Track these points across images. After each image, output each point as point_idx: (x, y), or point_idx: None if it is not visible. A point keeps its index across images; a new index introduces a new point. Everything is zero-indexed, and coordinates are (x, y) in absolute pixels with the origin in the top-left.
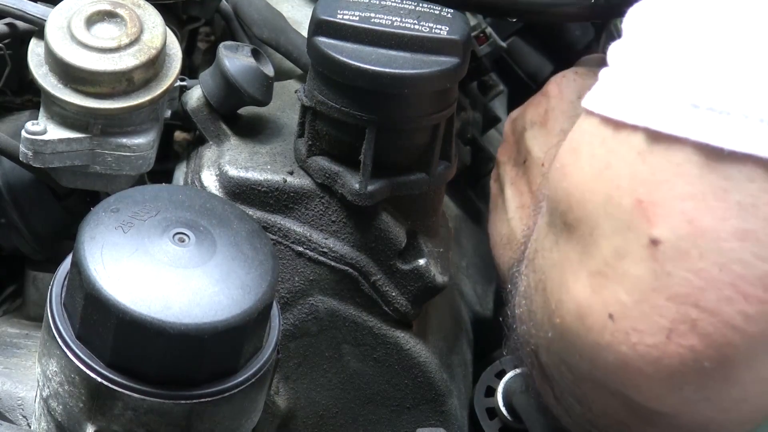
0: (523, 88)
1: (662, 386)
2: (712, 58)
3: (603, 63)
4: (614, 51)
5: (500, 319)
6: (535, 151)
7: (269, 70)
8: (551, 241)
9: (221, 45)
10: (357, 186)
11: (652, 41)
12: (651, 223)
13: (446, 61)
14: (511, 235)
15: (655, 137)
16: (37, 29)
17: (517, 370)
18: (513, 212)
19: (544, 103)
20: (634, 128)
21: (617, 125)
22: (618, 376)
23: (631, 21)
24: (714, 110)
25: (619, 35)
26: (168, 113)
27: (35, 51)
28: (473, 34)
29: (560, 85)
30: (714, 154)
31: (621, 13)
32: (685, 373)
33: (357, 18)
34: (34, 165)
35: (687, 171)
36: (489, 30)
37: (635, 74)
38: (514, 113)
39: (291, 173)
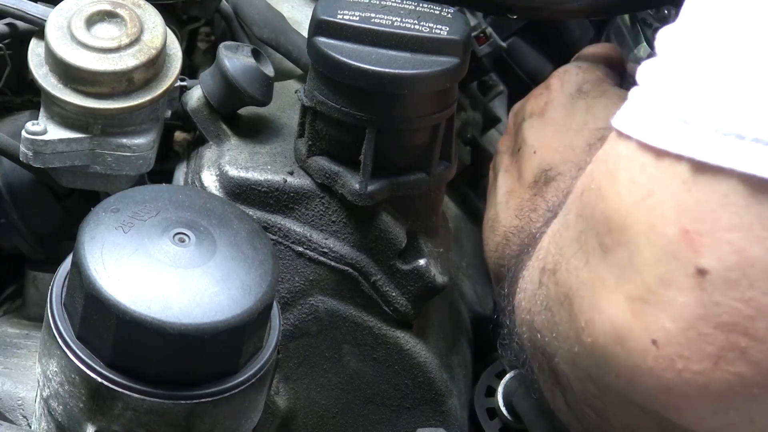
0: (523, 88)
1: (707, 410)
2: (757, 88)
3: (602, 58)
4: (646, 70)
5: (495, 316)
6: (529, 140)
7: (269, 70)
8: (580, 259)
9: (221, 45)
10: (357, 186)
11: (691, 66)
12: (697, 253)
13: (446, 61)
14: (496, 218)
15: (700, 168)
16: (37, 29)
17: (518, 370)
18: (501, 197)
19: (545, 96)
20: (678, 157)
21: (659, 153)
22: (660, 400)
23: (665, 40)
24: (760, 141)
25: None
26: (168, 113)
27: (35, 51)
28: (473, 34)
29: (562, 78)
30: (760, 185)
31: (621, 11)
32: (732, 399)
33: (357, 18)
34: (34, 165)
35: (733, 202)
36: (489, 30)
37: (675, 101)
38: (517, 105)
39: (291, 173)
